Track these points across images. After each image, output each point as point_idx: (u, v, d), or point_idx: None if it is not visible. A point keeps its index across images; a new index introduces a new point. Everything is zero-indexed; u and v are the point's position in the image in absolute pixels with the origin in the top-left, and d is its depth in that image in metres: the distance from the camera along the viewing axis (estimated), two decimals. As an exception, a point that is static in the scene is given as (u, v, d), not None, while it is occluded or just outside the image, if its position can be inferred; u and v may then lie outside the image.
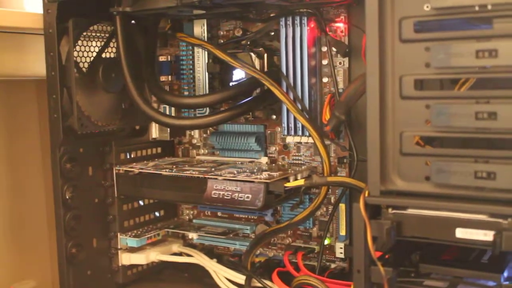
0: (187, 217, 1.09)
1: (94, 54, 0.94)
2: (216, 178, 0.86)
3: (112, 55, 0.96)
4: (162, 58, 1.05)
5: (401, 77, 0.63)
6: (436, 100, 0.61)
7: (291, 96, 0.88)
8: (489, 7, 0.57)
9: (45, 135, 0.95)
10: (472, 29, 0.60)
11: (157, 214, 1.07)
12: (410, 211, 0.64)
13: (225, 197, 0.85)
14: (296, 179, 0.85)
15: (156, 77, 0.98)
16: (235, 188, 0.84)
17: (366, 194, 0.65)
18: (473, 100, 0.59)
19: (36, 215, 1.15)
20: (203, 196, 0.87)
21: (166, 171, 0.91)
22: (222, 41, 1.00)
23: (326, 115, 0.85)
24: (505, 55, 0.57)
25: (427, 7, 0.60)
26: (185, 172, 0.90)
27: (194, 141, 1.06)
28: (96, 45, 0.95)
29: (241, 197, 0.84)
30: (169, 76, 1.05)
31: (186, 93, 1.02)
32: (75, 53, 0.90)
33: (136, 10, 0.86)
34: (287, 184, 0.81)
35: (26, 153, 1.14)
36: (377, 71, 0.63)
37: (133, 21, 0.98)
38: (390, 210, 0.64)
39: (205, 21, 0.98)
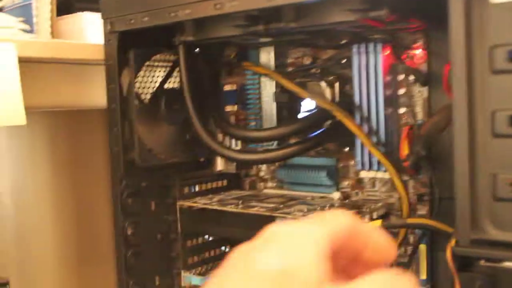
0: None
1: (157, 84, 0.91)
2: (284, 217, 0.80)
3: (175, 85, 0.93)
4: (227, 87, 1.01)
5: (493, 112, 0.55)
6: (536, 139, 0.54)
7: (366, 128, 0.82)
8: None
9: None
10: None
11: (223, 249, 1.02)
12: (507, 264, 0.56)
13: (294, 238, 0.79)
14: (371, 218, 0.79)
15: (221, 108, 0.93)
16: (305, 228, 0.78)
17: (453, 243, 0.58)
18: None
19: (101, 249, 1.12)
20: (270, 235, 0.81)
21: (231, 207, 0.86)
22: (290, 69, 0.94)
23: (404, 149, 0.78)
24: None
25: (524, 34, 0.53)
26: (251, 209, 0.84)
27: (262, 173, 1.01)
28: (159, 75, 0.92)
29: (311, 239, 0.78)
30: (235, 106, 1.00)
31: (253, 123, 0.97)
32: (137, 84, 0.87)
33: (200, 39, 0.82)
34: (362, 226, 0.75)
35: (92, 184, 1.12)
36: (466, 105, 0.56)
37: (197, 49, 0.95)
38: (482, 263, 0.57)
39: (272, 48, 0.93)
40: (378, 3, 0.66)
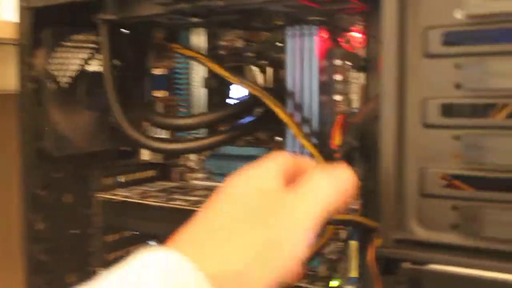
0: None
1: (77, 67, 0.83)
2: (207, 211, 0.74)
3: (98, 69, 0.85)
4: (157, 72, 0.94)
5: (424, 100, 0.50)
6: (468, 130, 0.49)
7: (298, 117, 0.76)
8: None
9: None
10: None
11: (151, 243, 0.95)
12: (433, 267, 0.51)
13: (218, 233, 0.73)
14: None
15: (145, 94, 0.86)
16: (229, 223, 0.72)
17: (378, 244, 0.53)
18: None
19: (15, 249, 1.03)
20: (193, 230, 0.75)
21: (152, 200, 0.80)
22: (223, 53, 0.88)
23: (336, 139, 0.73)
24: (558, 76, 0.44)
25: (459, 14, 0.48)
26: (173, 202, 0.78)
27: (191, 164, 0.95)
28: (80, 57, 0.84)
29: (235, 234, 0.72)
30: (165, 91, 0.93)
31: (184, 110, 0.91)
32: (53, 66, 0.79)
33: (122, 18, 0.75)
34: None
35: (4, 176, 1.02)
36: (395, 92, 0.51)
37: (125, 30, 0.88)
38: (407, 265, 0.52)
39: (203, 30, 0.86)
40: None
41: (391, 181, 0.52)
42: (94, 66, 0.86)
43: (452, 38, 0.49)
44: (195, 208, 0.75)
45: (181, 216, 0.76)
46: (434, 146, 0.50)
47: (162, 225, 0.80)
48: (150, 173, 0.95)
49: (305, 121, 0.76)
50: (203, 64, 0.82)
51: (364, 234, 0.74)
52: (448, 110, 0.51)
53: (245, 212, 0.41)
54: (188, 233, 0.41)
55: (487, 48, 0.48)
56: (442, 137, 0.50)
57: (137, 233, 0.91)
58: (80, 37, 0.83)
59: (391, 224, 0.52)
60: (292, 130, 0.73)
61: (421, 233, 0.52)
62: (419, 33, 0.50)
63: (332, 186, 0.44)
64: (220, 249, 0.39)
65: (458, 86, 0.49)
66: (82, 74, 0.84)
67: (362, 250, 0.76)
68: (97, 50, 0.85)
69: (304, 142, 0.72)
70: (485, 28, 0.47)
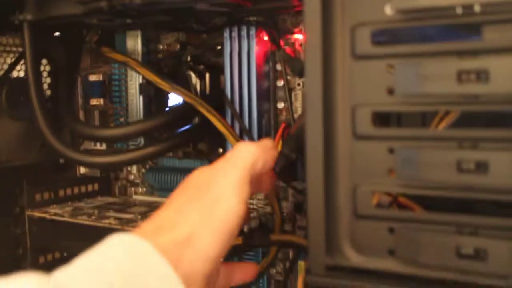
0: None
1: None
2: (137, 231, 0.67)
3: (22, 74, 0.79)
4: (93, 78, 0.87)
5: (354, 107, 0.44)
6: (403, 142, 0.43)
7: (237, 126, 0.70)
8: (477, 8, 0.39)
9: None
10: (452, 40, 0.41)
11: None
12: (368, 298, 0.45)
13: (149, 255, 0.67)
14: (241, 231, 0.67)
15: (71, 103, 0.79)
16: (160, 245, 0.66)
17: (307, 271, 0.47)
18: (455, 142, 0.41)
19: None
20: (124, 252, 0.68)
21: (82, 219, 0.73)
22: (161, 56, 0.82)
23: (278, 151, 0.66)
24: (499, 79, 0.38)
25: (390, 9, 0.42)
26: (104, 221, 0.71)
27: (132, 177, 0.88)
28: (2, 62, 0.77)
29: (167, 256, 0.65)
30: (101, 99, 0.87)
31: (122, 119, 0.84)
32: (-30, 71, 0.73)
33: (40, 18, 0.68)
34: (222, 243, 0.62)
35: None
36: (320, 99, 0.45)
37: (56, 33, 0.81)
38: (340, 295, 0.45)
39: (139, 32, 0.80)
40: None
41: (320, 200, 0.46)
42: (21, 72, 0.79)
43: (383, 37, 0.43)
44: (126, 228, 0.68)
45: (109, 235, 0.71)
46: (367, 160, 0.44)
47: (91, 245, 0.74)
48: (90, 187, 0.88)
49: (245, 131, 0.69)
50: (133, 69, 0.75)
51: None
52: (382, 119, 0.45)
53: (192, 191, 0.47)
54: (151, 218, 0.46)
55: (421, 47, 0.42)
56: (376, 150, 0.44)
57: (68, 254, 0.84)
58: (3, 40, 0.77)
59: (321, 249, 0.46)
60: (228, 140, 0.67)
61: (355, 258, 0.45)
62: (347, 32, 0.44)
63: (252, 146, 0.50)
64: (171, 223, 0.44)
65: (390, 91, 0.43)
66: (5, 81, 0.77)
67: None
68: (22, 55, 0.78)
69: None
70: (418, 24, 0.41)
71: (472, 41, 0.40)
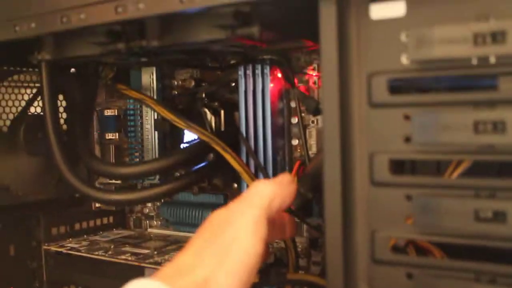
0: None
1: (17, 109, 0.78)
2: (154, 268, 0.68)
3: (39, 110, 0.80)
4: (108, 112, 0.88)
5: (371, 155, 0.45)
6: (421, 190, 0.43)
7: (252, 163, 0.71)
8: (492, 60, 0.40)
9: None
10: (469, 88, 0.42)
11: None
12: None
13: (166, 292, 0.67)
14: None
15: (87, 138, 0.80)
16: (177, 282, 0.66)
17: (328, 314, 0.47)
18: (472, 191, 0.41)
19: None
20: (140, 288, 0.69)
21: (98, 254, 0.74)
22: (176, 92, 0.83)
23: (293, 189, 0.67)
24: (516, 129, 0.39)
25: (405, 59, 0.43)
26: (120, 256, 0.72)
27: (146, 210, 0.89)
28: (20, 99, 0.78)
29: (183, 294, 0.66)
30: (116, 134, 0.88)
31: (137, 153, 0.85)
32: (-10, 108, 0.74)
33: (59, 58, 0.69)
34: (238, 281, 0.63)
35: None
36: (338, 145, 0.45)
37: (72, 70, 0.83)
38: None
39: (154, 69, 0.81)
40: (249, 19, 0.55)
41: (337, 244, 0.46)
42: (38, 108, 0.80)
43: (399, 86, 0.44)
44: (142, 264, 0.69)
45: (128, 271, 0.71)
46: (385, 207, 0.45)
47: (107, 281, 0.74)
48: (106, 220, 0.89)
49: (260, 167, 0.70)
50: (148, 106, 0.76)
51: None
52: (399, 166, 0.45)
53: (209, 233, 0.47)
54: (170, 262, 0.46)
55: (437, 97, 0.42)
56: (393, 196, 0.44)
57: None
58: (21, 77, 0.78)
59: (339, 293, 0.46)
60: (243, 178, 0.67)
61: (373, 303, 0.46)
62: (363, 80, 0.45)
63: (269, 184, 0.50)
64: (190, 266, 0.45)
65: (407, 140, 0.43)
66: (23, 117, 0.78)
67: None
68: (39, 91, 0.79)
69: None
70: (433, 74, 0.42)
71: (488, 92, 0.40)
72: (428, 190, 0.43)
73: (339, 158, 0.45)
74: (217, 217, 0.49)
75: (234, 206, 0.49)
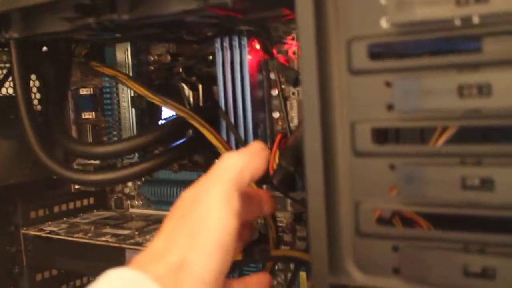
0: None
1: (-13, 90, 0.75)
2: (134, 249, 0.66)
3: (11, 91, 0.77)
4: (84, 91, 0.86)
5: (352, 124, 0.43)
6: (405, 159, 0.42)
7: (232, 138, 0.69)
8: (476, 20, 0.38)
9: None
10: (452, 51, 0.40)
11: (84, 281, 0.87)
12: (374, 317, 0.44)
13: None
14: (241, 245, 0.66)
15: (62, 118, 0.78)
16: (159, 262, 0.65)
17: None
18: (457, 158, 0.40)
19: None
20: (122, 270, 0.67)
21: (78, 236, 0.72)
22: (152, 68, 0.80)
23: (275, 162, 0.65)
24: (502, 92, 0.37)
25: (385, 22, 0.41)
26: (100, 238, 0.70)
27: (127, 190, 0.87)
28: (-10, 80, 0.76)
29: (166, 274, 0.64)
30: (93, 113, 0.85)
31: (114, 132, 0.82)
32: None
33: (27, 35, 0.67)
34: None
35: None
36: (318, 115, 0.43)
37: (44, 48, 0.80)
38: (344, 316, 0.44)
39: (128, 44, 0.78)
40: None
41: (321, 217, 0.44)
42: (9, 89, 0.77)
43: (380, 51, 0.42)
44: (122, 245, 0.67)
45: (108, 253, 0.69)
46: (368, 177, 0.43)
47: (88, 263, 0.73)
48: (86, 201, 0.87)
49: (240, 142, 0.68)
50: (122, 83, 0.74)
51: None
52: (382, 135, 0.43)
53: (180, 212, 0.45)
54: (146, 248, 0.45)
55: (419, 61, 0.40)
56: (377, 166, 0.43)
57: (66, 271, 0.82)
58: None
59: (324, 268, 0.45)
60: (222, 153, 0.65)
61: (359, 277, 0.44)
62: (343, 46, 0.43)
63: (238, 156, 0.47)
64: (163, 250, 0.43)
65: (390, 107, 0.41)
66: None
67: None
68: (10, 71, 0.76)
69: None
70: (415, 37, 0.40)
71: (472, 54, 0.39)
72: (412, 159, 0.41)
73: (320, 128, 0.43)
74: (187, 195, 0.46)
75: (203, 182, 0.46)
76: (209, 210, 0.44)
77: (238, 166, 0.47)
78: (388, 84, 0.41)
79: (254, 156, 0.48)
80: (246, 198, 0.47)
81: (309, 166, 0.44)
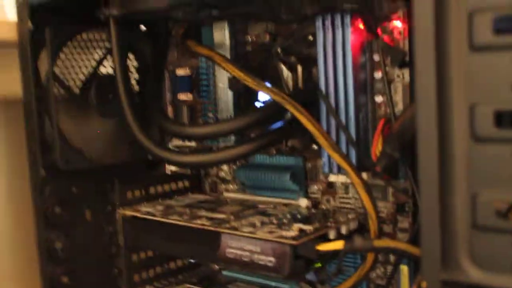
0: (216, 266, 0.88)
1: (88, 70, 0.75)
2: (231, 233, 0.65)
3: (111, 71, 0.77)
4: (180, 72, 0.85)
5: (473, 106, 0.39)
6: (532, 145, 0.37)
7: (332, 123, 0.66)
8: None
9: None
10: None
11: (179, 263, 0.87)
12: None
13: (243, 259, 0.64)
14: (339, 233, 0.63)
15: (159, 98, 0.77)
16: (255, 248, 0.63)
17: (421, 285, 0.42)
18: None
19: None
20: (216, 254, 0.66)
21: (174, 218, 0.71)
22: (250, 49, 0.78)
23: (377, 149, 0.62)
24: None
25: (515, -8, 0.37)
26: (196, 221, 0.69)
27: (222, 174, 0.86)
28: (90, 59, 0.76)
29: (262, 261, 0.62)
30: (189, 94, 0.84)
31: (210, 114, 0.81)
32: (59, 70, 0.72)
33: (126, 12, 0.66)
34: (321, 248, 0.59)
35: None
36: (434, 97, 0.40)
37: (143, 27, 0.80)
38: (457, 316, 0.41)
39: (226, 24, 0.77)
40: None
41: (434, 208, 0.41)
42: (108, 68, 0.78)
43: (507, 25, 0.38)
44: (218, 229, 0.66)
45: (204, 236, 0.68)
46: (489, 166, 0.39)
47: (183, 246, 0.72)
48: (181, 184, 0.86)
49: (341, 127, 0.65)
50: (218, 64, 0.72)
51: (415, 258, 0.63)
52: (506, 118, 0.39)
53: None
54: None
55: (555, 36, 0.36)
56: (498, 154, 0.39)
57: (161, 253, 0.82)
58: (90, 36, 0.75)
59: (436, 262, 0.41)
60: (318, 140, 0.62)
61: (474, 274, 0.41)
62: (464, 19, 0.39)
63: None
64: None
65: (516, 88, 0.37)
66: (94, 78, 0.76)
67: (414, 275, 0.66)
68: (110, 50, 0.76)
69: (333, 154, 0.61)
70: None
71: None
72: (541, 146, 0.37)
73: (435, 111, 0.40)
74: None
75: None
76: None
77: None
78: (515, 61, 0.37)
79: None
80: None
81: (422, 153, 0.41)
